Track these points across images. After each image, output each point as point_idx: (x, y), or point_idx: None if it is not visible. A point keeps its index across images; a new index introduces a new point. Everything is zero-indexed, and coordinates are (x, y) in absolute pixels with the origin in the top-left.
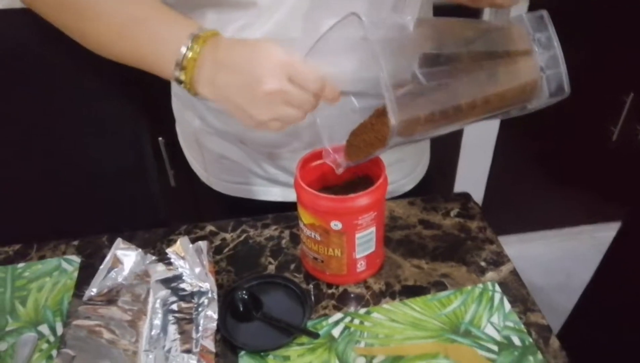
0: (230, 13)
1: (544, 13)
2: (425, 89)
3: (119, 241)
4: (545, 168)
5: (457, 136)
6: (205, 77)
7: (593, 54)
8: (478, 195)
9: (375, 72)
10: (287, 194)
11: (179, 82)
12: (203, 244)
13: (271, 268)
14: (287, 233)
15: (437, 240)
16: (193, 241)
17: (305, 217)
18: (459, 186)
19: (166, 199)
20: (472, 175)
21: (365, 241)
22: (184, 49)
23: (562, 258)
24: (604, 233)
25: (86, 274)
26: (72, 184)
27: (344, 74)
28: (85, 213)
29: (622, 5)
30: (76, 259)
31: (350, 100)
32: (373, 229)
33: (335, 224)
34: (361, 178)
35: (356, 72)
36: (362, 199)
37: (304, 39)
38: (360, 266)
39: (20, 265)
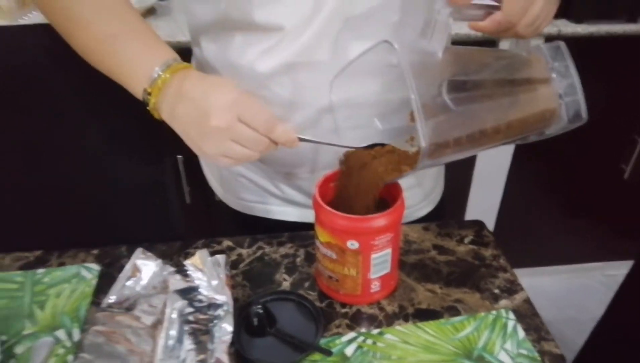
0: (256, 36)
1: (561, 44)
2: (452, 114)
3: (138, 251)
4: (557, 204)
5: (469, 167)
6: (167, 105)
7: (607, 93)
8: (488, 226)
9: (398, 95)
10: (302, 215)
11: (146, 104)
12: (221, 257)
13: (286, 285)
14: (302, 251)
15: (451, 266)
16: (210, 255)
17: (322, 235)
18: (469, 216)
19: (182, 215)
20: (483, 206)
21: (381, 262)
22: (154, 75)
23: (571, 293)
24: (614, 271)
25: (105, 282)
26: (92, 198)
27: (368, 95)
28: (103, 227)
29: (635, 46)
30: (95, 267)
31: (374, 122)
32: (389, 250)
33: (352, 244)
34: (378, 200)
35: (380, 95)
36: (379, 220)
37: (333, 62)
38: (375, 287)
39: (40, 270)
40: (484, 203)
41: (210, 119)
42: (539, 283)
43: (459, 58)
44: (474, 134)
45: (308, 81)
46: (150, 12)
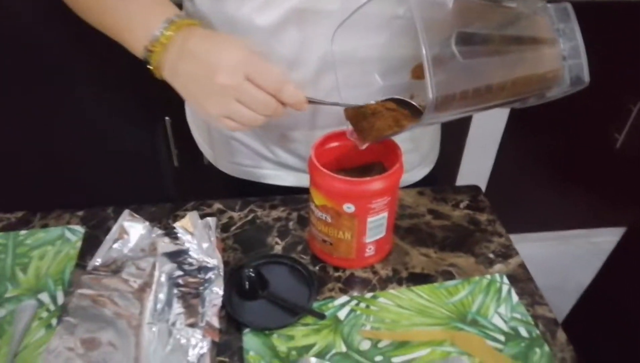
0: None
1: (568, 5)
2: (460, 67)
3: (126, 213)
4: (548, 170)
5: (463, 132)
6: (170, 63)
7: (603, 60)
8: None
9: (401, 52)
10: (296, 180)
11: (147, 63)
12: (212, 220)
13: (278, 249)
14: (294, 215)
15: (445, 230)
16: (200, 217)
17: (317, 198)
18: (460, 182)
19: (171, 178)
20: (475, 172)
21: (377, 225)
22: (156, 32)
23: (558, 260)
24: (602, 238)
25: (90, 245)
26: (78, 158)
27: (371, 49)
28: (89, 188)
29: (632, 14)
30: (80, 229)
31: (375, 78)
32: (385, 214)
33: (348, 207)
34: (375, 163)
35: (383, 50)
36: (377, 183)
37: (343, 12)
38: (369, 250)
39: (23, 232)
40: (476, 168)
41: (216, 77)
42: (526, 249)
43: (467, 11)
44: (480, 89)
45: (314, 33)
46: None
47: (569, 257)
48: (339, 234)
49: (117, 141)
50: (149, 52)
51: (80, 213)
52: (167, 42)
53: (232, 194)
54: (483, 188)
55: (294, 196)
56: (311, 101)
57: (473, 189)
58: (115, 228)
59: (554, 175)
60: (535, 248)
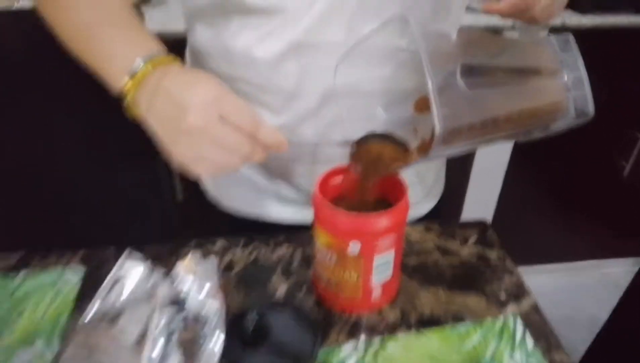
0: (255, 19)
1: (570, 36)
2: (466, 99)
3: (126, 253)
4: (555, 201)
5: (467, 164)
6: (144, 101)
7: (609, 88)
8: None
9: (405, 84)
10: (299, 216)
11: (122, 99)
12: (213, 261)
13: (282, 290)
14: (299, 253)
15: (454, 268)
16: (202, 257)
17: (321, 236)
18: (465, 215)
19: (174, 216)
20: (480, 205)
21: (383, 263)
22: (134, 68)
23: (568, 292)
24: (613, 269)
25: (90, 286)
26: (83, 194)
27: (374, 82)
28: (94, 223)
29: (637, 40)
30: (80, 270)
31: (379, 111)
32: (392, 252)
33: (354, 244)
34: (379, 201)
35: (386, 83)
36: (383, 219)
37: (347, 43)
38: (376, 292)
39: (20, 275)
40: (482, 200)
41: (187, 116)
42: (535, 281)
43: (470, 42)
44: (487, 121)
45: (315, 65)
46: (145, 0)
47: (579, 289)
48: (344, 274)
49: (120, 176)
50: (125, 89)
51: (80, 253)
52: (143, 78)
53: (236, 232)
54: (490, 219)
55: (298, 233)
56: (292, 143)
57: (481, 225)
58: (114, 270)
59: (562, 205)
60: (544, 280)
